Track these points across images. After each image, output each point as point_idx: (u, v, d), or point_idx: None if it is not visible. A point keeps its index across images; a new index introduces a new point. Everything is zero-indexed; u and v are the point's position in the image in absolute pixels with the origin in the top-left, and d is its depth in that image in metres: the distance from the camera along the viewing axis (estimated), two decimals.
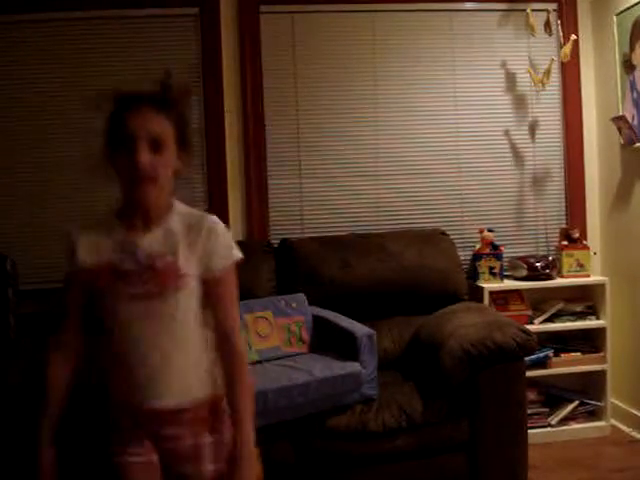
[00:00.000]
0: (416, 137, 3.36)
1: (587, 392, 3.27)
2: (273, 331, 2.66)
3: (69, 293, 1.60)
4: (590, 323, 3.22)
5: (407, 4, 3.33)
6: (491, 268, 3.20)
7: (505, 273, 3.27)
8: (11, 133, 3.13)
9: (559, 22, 3.37)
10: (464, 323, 2.60)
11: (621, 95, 3.16)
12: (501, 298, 3.18)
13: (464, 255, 3.29)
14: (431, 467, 2.45)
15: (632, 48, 3.04)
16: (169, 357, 1.51)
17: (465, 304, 2.98)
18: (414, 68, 3.36)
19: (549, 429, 3.16)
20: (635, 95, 3.06)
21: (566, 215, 3.46)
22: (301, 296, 2.81)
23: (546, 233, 3.45)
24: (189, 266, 1.51)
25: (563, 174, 3.46)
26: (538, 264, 3.20)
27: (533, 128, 3.44)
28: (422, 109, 3.36)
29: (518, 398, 2.48)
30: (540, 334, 2.97)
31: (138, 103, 1.49)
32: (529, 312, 3.18)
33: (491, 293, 3.14)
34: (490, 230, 3.26)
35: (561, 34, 3.34)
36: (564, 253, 3.25)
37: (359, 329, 2.54)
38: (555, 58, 3.33)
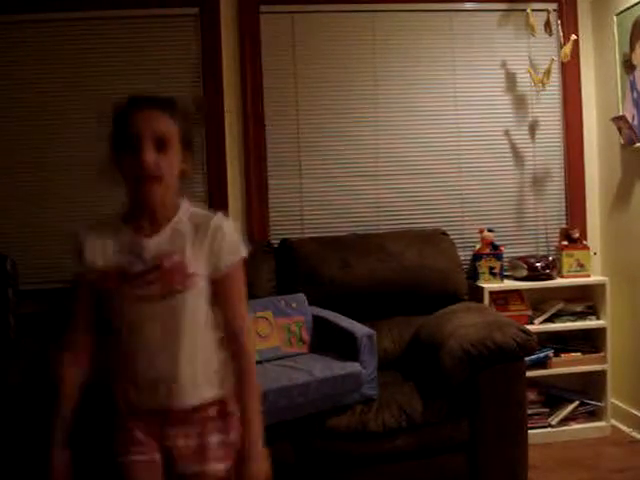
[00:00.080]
0: (416, 137, 3.36)
1: (587, 392, 3.27)
2: (273, 331, 2.66)
3: (77, 294, 1.59)
4: (590, 323, 3.22)
5: (407, 4, 3.33)
6: (491, 268, 3.20)
7: (505, 273, 3.27)
8: (11, 133, 3.13)
9: (559, 22, 3.37)
10: (464, 323, 2.60)
11: (621, 95, 3.16)
12: (501, 298, 3.18)
13: (464, 255, 3.29)
14: (431, 467, 2.44)
15: (632, 48, 3.04)
16: (177, 358, 1.51)
17: (465, 304, 2.98)
18: (414, 68, 3.36)
19: (549, 429, 3.16)
20: (635, 95, 3.06)
21: (566, 215, 3.46)
22: (301, 296, 2.81)
23: (546, 233, 3.45)
24: (197, 266, 1.51)
25: (563, 174, 3.46)
26: (538, 264, 3.20)
27: (533, 128, 3.44)
28: (422, 109, 3.36)
29: (518, 398, 2.48)
30: (540, 334, 2.97)
31: (143, 103, 1.50)
32: (529, 312, 3.18)
33: (491, 293, 3.14)
34: (490, 230, 3.26)
35: (561, 34, 3.34)
36: (564, 253, 3.25)
37: (359, 329, 2.54)
38: (555, 58, 3.33)
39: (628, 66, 3.09)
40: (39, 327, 2.94)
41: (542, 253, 3.40)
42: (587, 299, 3.29)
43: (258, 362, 2.54)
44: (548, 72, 3.30)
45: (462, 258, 3.22)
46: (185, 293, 1.50)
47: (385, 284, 2.96)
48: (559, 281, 3.23)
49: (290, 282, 2.95)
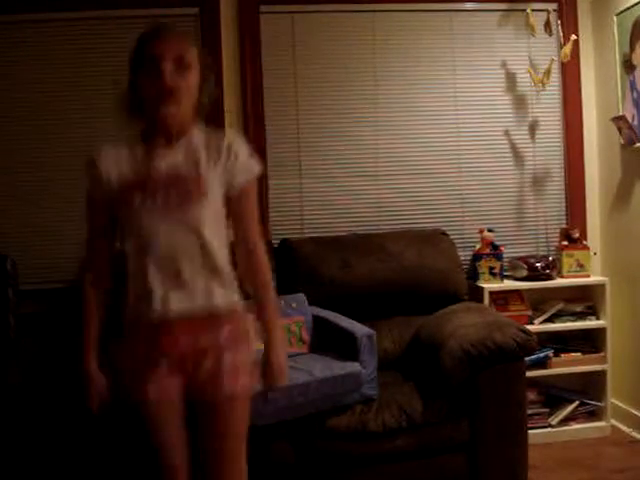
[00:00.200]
0: (416, 137, 3.36)
1: (587, 392, 3.27)
2: None
3: (92, 213, 1.64)
4: (590, 323, 3.22)
5: (407, 4, 3.33)
6: (491, 268, 3.20)
7: (505, 273, 3.27)
8: (11, 133, 3.13)
9: (559, 22, 3.37)
10: (464, 323, 2.60)
11: (621, 95, 3.16)
12: (501, 298, 3.18)
13: (464, 255, 3.29)
14: (431, 467, 2.45)
15: (632, 48, 3.04)
16: (195, 266, 1.56)
17: (465, 304, 2.98)
18: (414, 68, 3.36)
19: (549, 429, 3.16)
20: (635, 95, 3.06)
21: (566, 215, 3.46)
22: (301, 296, 2.81)
23: (546, 233, 3.45)
24: (212, 180, 1.57)
25: (563, 174, 3.46)
26: (538, 264, 3.20)
27: (533, 128, 3.44)
28: (422, 109, 3.36)
29: (518, 398, 2.48)
30: (540, 334, 2.97)
31: (165, 30, 1.57)
32: (529, 312, 3.18)
33: (491, 293, 3.14)
34: (490, 230, 3.26)
35: (561, 34, 3.34)
36: (564, 253, 3.25)
37: (359, 329, 2.54)
38: (555, 58, 3.33)
39: (628, 66, 3.09)
40: (39, 327, 2.94)
41: (542, 253, 3.40)
42: (587, 299, 3.29)
43: None
44: (548, 72, 3.30)
45: (462, 258, 3.22)
46: (201, 204, 1.55)
47: (385, 284, 2.96)
48: (559, 281, 3.23)
49: (290, 282, 2.95)
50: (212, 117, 3.13)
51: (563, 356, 3.17)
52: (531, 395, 3.09)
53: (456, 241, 3.24)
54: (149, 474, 1.64)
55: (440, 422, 2.43)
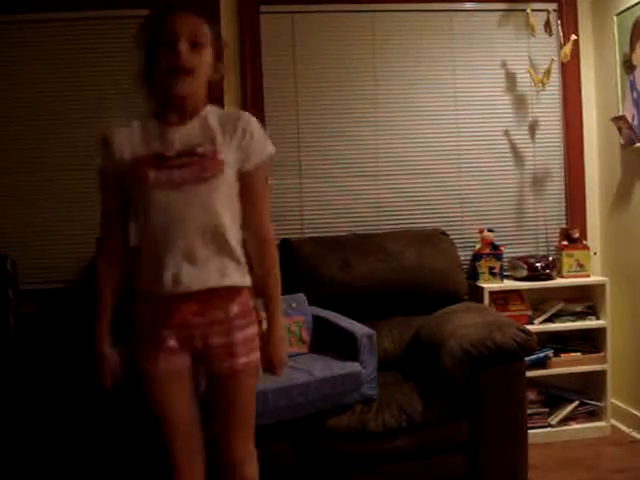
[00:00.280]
0: (416, 137, 3.36)
1: (587, 392, 3.27)
2: None
3: (105, 192, 1.66)
4: (590, 323, 3.22)
5: (407, 4, 3.33)
6: (491, 268, 3.20)
7: (505, 273, 3.27)
8: (11, 133, 3.13)
9: (559, 22, 3.37)
10: (464, 323, 2.60)
11: (621, 95, 3.16)
12: (501, 298, 3.18)
13: (464, 255, 3.29)
14: (431, 467, 2.45)
15: (632, 48, 3.04)
16: (208, 242, 1.57)
17: (465, 304, 2.98)
18: (414, 68, 3.36)
19: (549, 429, 3.16)
20: (635, 95, 3.06)
21: (566, 215, 3.46)
22: (301, 296, 2.81)
23: (546, 233, 3.45)
24: (227, 157, 1.58)
25: (563, 174, 3.46)
26: (538, 264, 3.20)
27: (533, 128, 3.44)
28: (422, 109, 3.36)
29: (518, 398, 2.48)
30: (540, 334, 2.97)
31: (180, 6, 1.58)
32: (529, 312, 3.18)
33: (491, 293, 3.14)
34: (490, 230, 3.26)
35: (561, 34, 3.34)
36: (564, 253, 3.25)
37: (359, 329, 2.54)
38: (555, 58, 3.33)
39: (628, 66, 3.09)
40: (39, 327, 2.95)
41: (542, 253, 3.40)
42: (587, 299, 3.29)
43: None
44: (548, 72, 3.30)
45: (462, 258, 3.22)
46: (216, 180, 1.55)
47: (385, 284, 2.96)
48: (559, 281, 3.23)
49: (290, 282, 2.94)
50: None
51: (563, 356, 3.17)
52: (531, 395, 3.09)
53: (456, 241, 3.24)
54: (156, 461, 1.65)
55: (440, 422, 2.43)
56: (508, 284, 3.22)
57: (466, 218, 3.39)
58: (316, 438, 2.39)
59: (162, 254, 1.56)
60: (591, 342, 3.25)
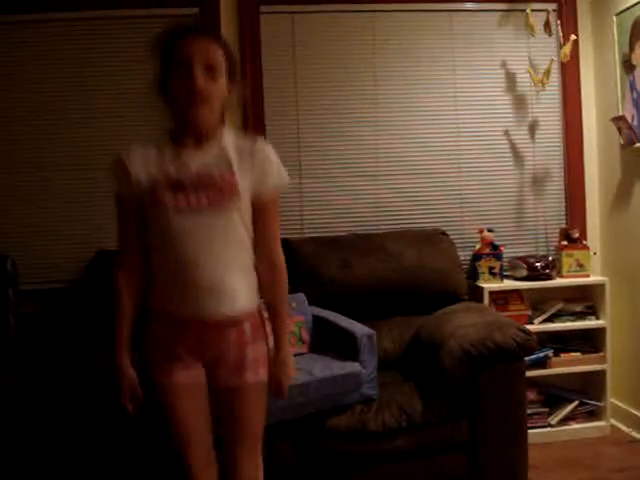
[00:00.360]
0: (416, 137, 3.36)
1: (587, 392, 3.27)
2: None
3: (122, 215, 1.65)
4: (590, 323, 3.22)
5: (407, 4, 3.33)
6: (491, 268, 3.20)
7: (505, 273, 3.27)
8: (11, 133, 3.13)
9: (559, 22, 3.37)
10: (464, 323, 2.60)
11: (621, 95, 3.16)
12: (501, 298, 3.18)
13: (464, 255, 3.29)
14: (431, 467, 2.45)
15: (632, 48, 3.04)
16: (222, 269, 1.58)
17: (465, 304, 2.98)
18: (414, 68, 3.36)
19: (549, 429, 3.16)
20: (635, 95, 3.06)
21: (566, 215, 3.46)
22: (301, 296, 2.81)
23: (546, 233, 3.45)
24: (243, 184, 1.58)
25: (563, 174, 3.46)
26: (538, 264, 3.20)
27: (533, 128, 3.44)
28: (422, 109, 3.36)
29: (518, 398, 2.48)
30: (540, 334, 2.97)
31: (195, 32, 1.58)
32: (529, 312, 3.18)
33: (491, 293, 3.14)
34: (490, 230, 3.26)
35: (561, 34, 3.34)
36: (564, 253, 3.25)
37: (359, 329, 2.54)
38: (555, 58, 3.33)
39: (628, 66, 3.09)
40: (39, 327, 2.95)
41: (542, 253, 3.40)
42: (587, 299, 3.29)
43: None
44: (548, 72, 3.30)
45: (462, 258, 3.22)
46: (232, 207, 1.57)
47: (385, 284, 2.96)
48: (559, 281, 3.23)
49: (290, 282, 2.93)
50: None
51: (563, 356, 3.18)
52: (531, 395, 3.09)
53: (456, 241, 3.24)
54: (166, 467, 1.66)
55: (440, 422, 2.44)
56: (508, 284, 3.22)
57: (466, 218, 3.40)
58: (316, 438, 2.39)
59: (179, 278, 1.58)
60: (591, 342, 3.25)
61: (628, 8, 3.04)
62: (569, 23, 3.38)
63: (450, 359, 2.43)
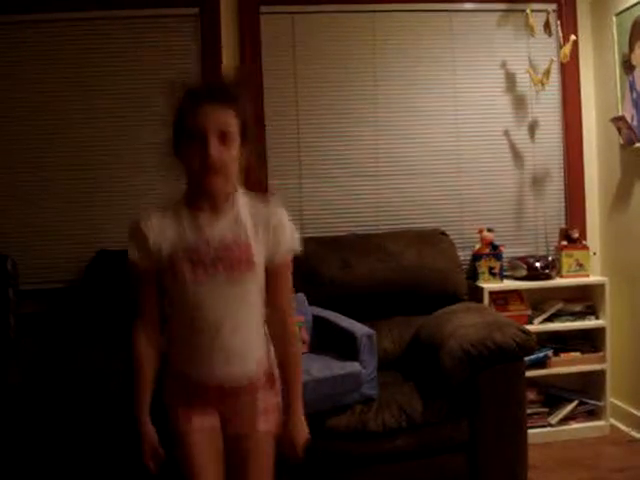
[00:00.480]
0: (416, 137, 3.36)
1: (587, 392, 3.27)
2: None
3: (140, 282, 1.64)
4: (589, 323, 3.22)
5: (407, 4, 3.33)
6: (491, 268, 3.20)
7: (505, 273, 3.27)
8: (11, 133, 3.13)
9: (559, 22, 3.37)
10: (464, 323, 2.60)
11: (620, 95, 3.16)
12: (501, 298, 3.19)
13: (464, 255, 3.29)
14: (431, 467, 2.45)
15: (631, 48, 3.05)
16: (238, 336, 1.59)
17: (465, 304, 2.98)
18: (414, 68, 3.36)
19: (549, 429, 3.16)
20: (634, 95, 3.07)
21: (566, 215, 3.46)
22: (301, 296, 2.81)
23: (546, 233, 3.46)
24: (258, 252, 1.60)
25: (563, 174, 3.47)
26: (538, 264, 3.21)
27: (533, 128, 3.44)
28: (422, 109, 3.37)
29: (518, 398, 2.48)
30: (540, 334, 2.98)
31: (209, 98, 1.54)
32: (529, 312, 3.18)
33: (491, 293, 3.14)
34: (490, 230, 3.26)
35: (561, 35, 3.34)
36: (564, 253, 3.25)
37: (359, 329, 2.54)
38: (555, 58, 3.33)
39: (627, 66, 3.10)
40: (39, 327, 2.95)
41: (542, 253, 3.40)
42: (586, 299, 3.29)
43: None
44: (547, 72, 3.30)
45: (462, 258, 3.23)
46: (249, 274, 1.58)
47: (385, 284, 2.96)
48: (558, 281, 3.24)
49: None
50: None
51: (562, 356, 3.18)
52: (531, 395, 3.09)
53: (456, 241, 3.24)
54: None
55: (440, 422, 2.44)
56: (508, 284, 3.22)
57: (466, 218, 3.40)
58: (316, 438, 2.38)
59: (196, 342, 1.58)
60: (590, 342, 3.26)
61: (628, 8, 3.04)
62: (569, 23, 3.38)
63: (450, 359, 2.43)
